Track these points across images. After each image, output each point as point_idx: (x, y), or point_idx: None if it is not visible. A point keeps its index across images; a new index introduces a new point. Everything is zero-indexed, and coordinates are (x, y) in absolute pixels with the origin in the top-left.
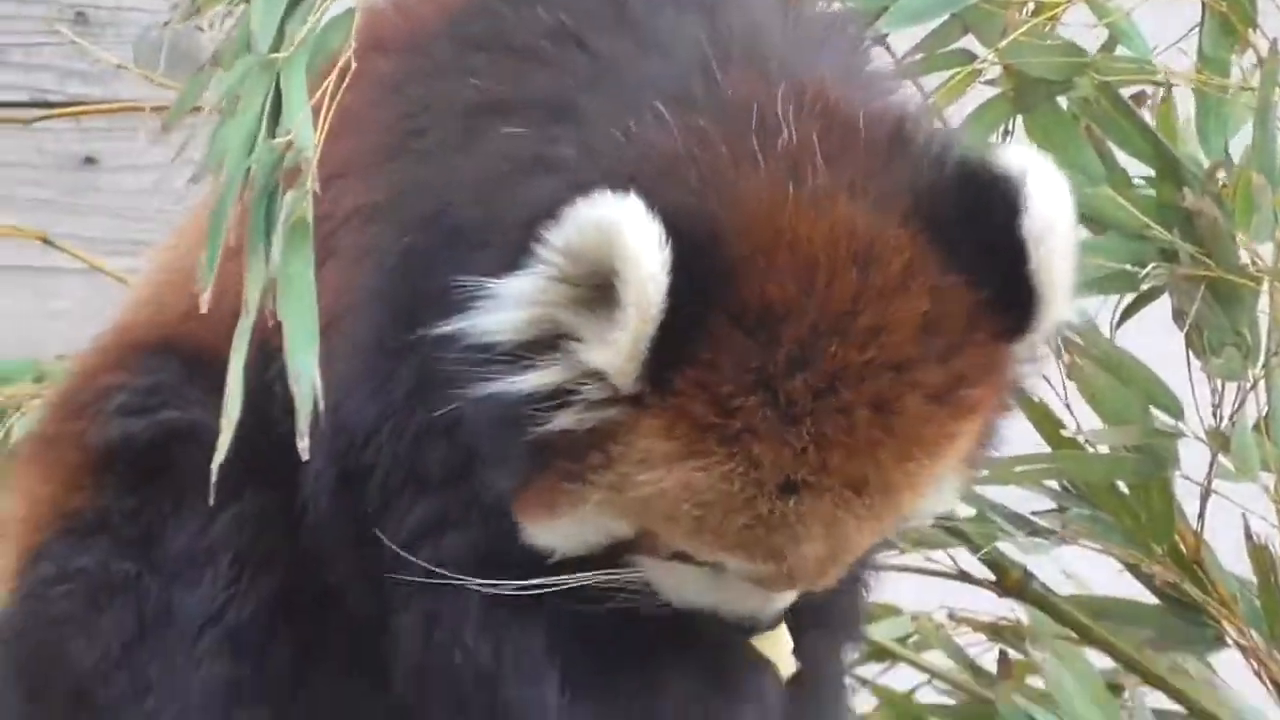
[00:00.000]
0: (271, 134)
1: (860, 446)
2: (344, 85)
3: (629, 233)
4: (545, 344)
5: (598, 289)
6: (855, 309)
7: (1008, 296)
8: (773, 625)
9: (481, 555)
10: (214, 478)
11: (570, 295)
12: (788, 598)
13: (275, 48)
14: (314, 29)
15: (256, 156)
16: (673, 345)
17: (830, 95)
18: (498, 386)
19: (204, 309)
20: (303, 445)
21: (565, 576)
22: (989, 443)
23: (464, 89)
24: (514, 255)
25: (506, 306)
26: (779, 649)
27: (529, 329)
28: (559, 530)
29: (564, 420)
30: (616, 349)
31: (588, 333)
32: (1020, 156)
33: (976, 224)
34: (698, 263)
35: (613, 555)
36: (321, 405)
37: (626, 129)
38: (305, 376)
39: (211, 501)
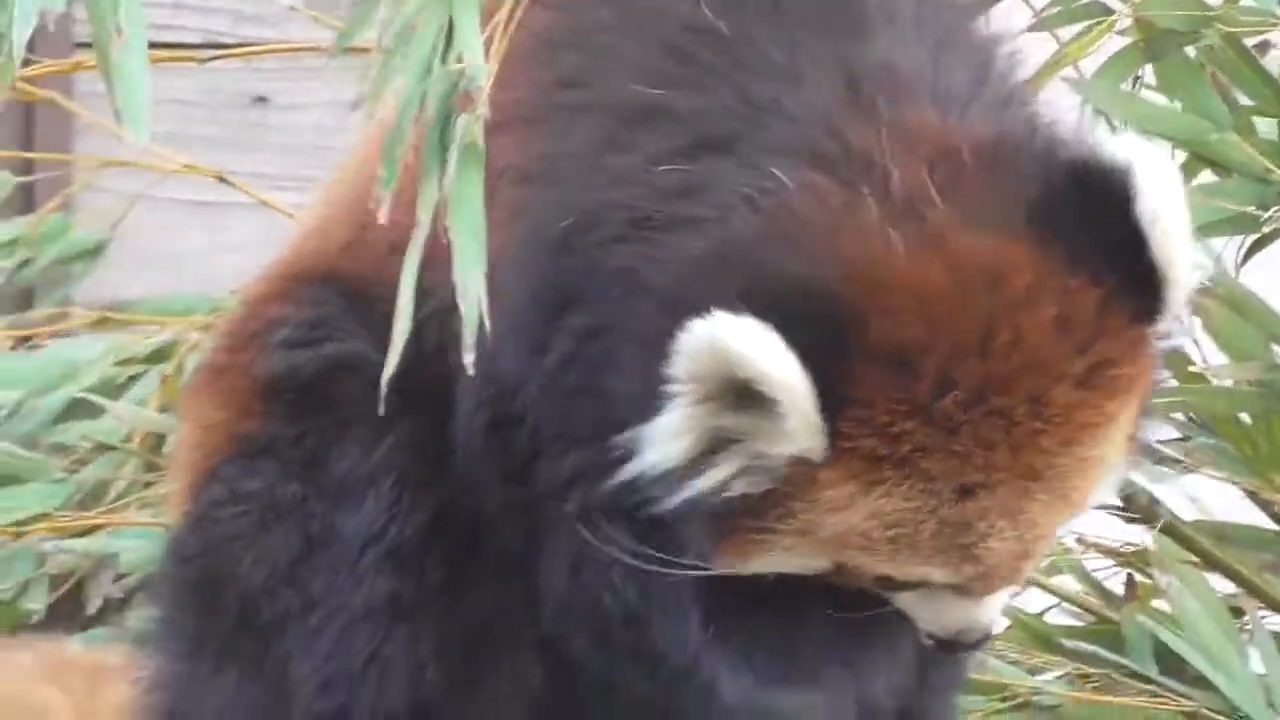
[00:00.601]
0: (445, 59)
1: (1022, 442)
2: (509, 28)
3: (754, 353)
4: (713, 449)
5: (743, 394)
6: (988, 329)
7: (1134, 281)
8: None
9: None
10: (384, 390)
11: (720, 407)
12: (997, 603)
13: None
14: None
15: (431, 82)
16: (830, 402)
17: (934, 127)
18: (680, 495)
19: (382, 219)
20: (468, 359)
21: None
22: (1147, 416)
23: (618, 83)
24: (652, 355)
25: (666, 441)
26: None
27: (694, 449)
28: (754, 568)
29: (742, 487)
30: (792, 437)
31: (754, 429)
32: (1124, 145)
33: (1092, 220)
34: (827, 332)
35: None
36: (488, 323)
37: (751, 196)
38: (473, 292)
39: (382, 412)
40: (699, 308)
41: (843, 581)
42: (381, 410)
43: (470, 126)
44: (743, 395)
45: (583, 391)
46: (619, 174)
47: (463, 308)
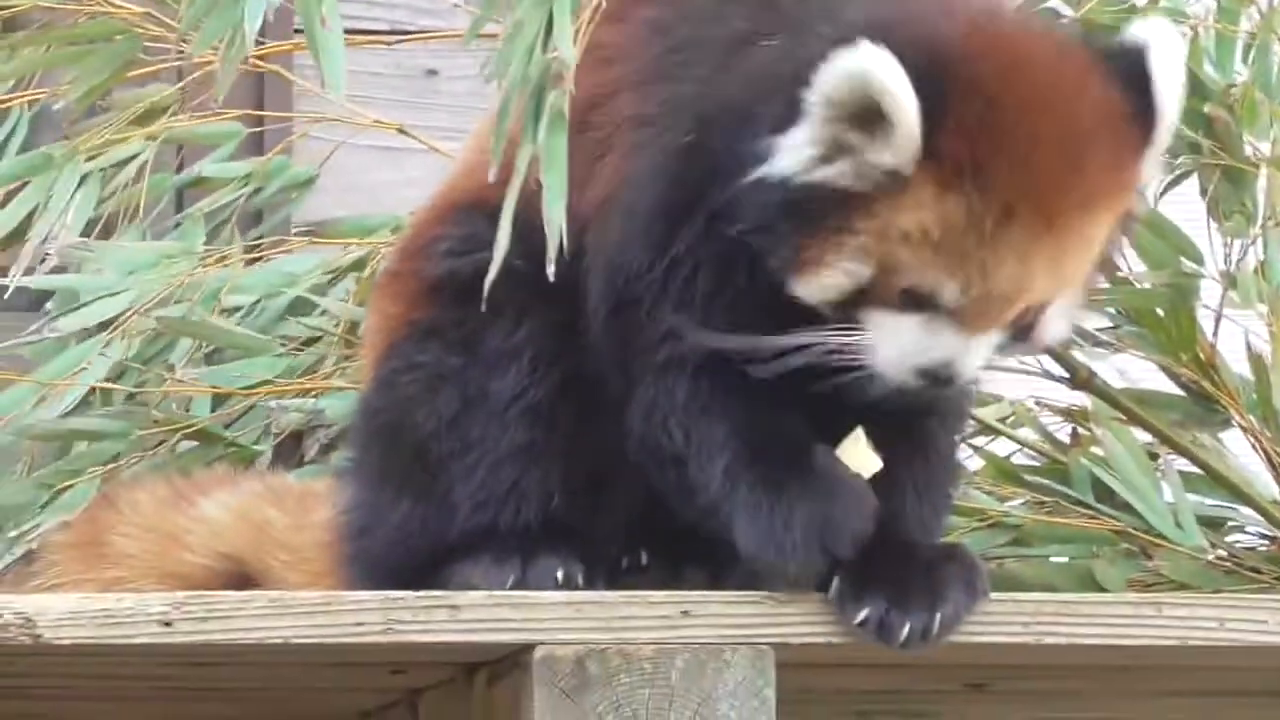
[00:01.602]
0: (544, 49)
1: (1061, 178)
2: (606, 22)
3: (884, 72)
4: (828, 158)
5: (863, 117)
6: (1049, 93)
7: (1143, 114)
8: (950, 382)
9: (708, 351)
10: (487, 289)
11: (845, 124)
12: (979, 348)
13: None
14: None
15: (534, 64)
16: (928, 128)
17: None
18: (808, 172)
19: (491, 179)
20: (550, 270)
21: (794, 337)
22: (1114, 251)
23: (722, 29)
24: (790, 110)
25: (797, 147)
26: (859, 456)
27: (817, 159)
28: (819, 281)
29: (846, 182)
30: (897, 150)
31: (867, 143)
32: (1144, 27)
33: (1121, 59)
34: (935, 72)
35: (847, 309)
36: (566, 246)
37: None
38: (555, 222)
39: (485, 304)
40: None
41: (872, 302)
42: (487, 300)
43: (560, 98)
44: (865, 114)
45: (703, 266)
46: (731, 81)
47: (548, 231)
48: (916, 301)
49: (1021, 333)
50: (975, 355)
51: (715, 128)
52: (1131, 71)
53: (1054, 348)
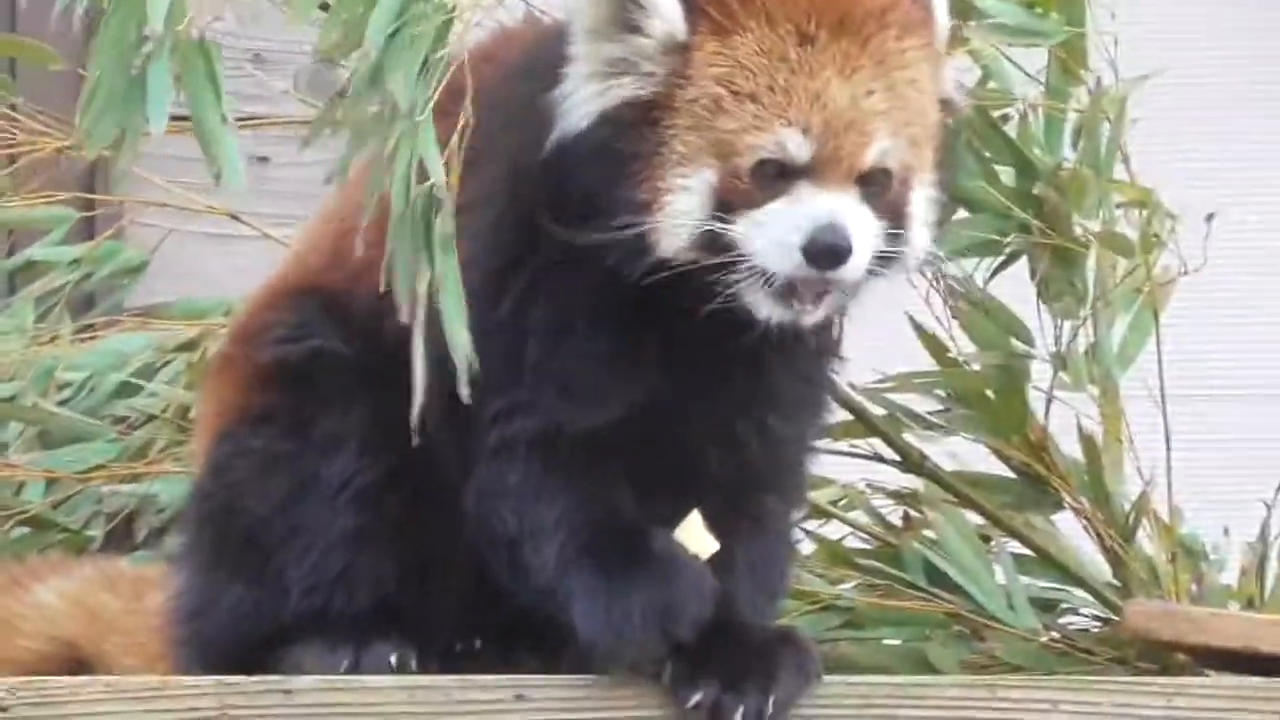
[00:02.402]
0: (420, 179)
1: (845, 10)
2: (437, 119)
3: None
4: (611, 78)
5: (620, 19)
6: None
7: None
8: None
9: (541, 430)
10: (416, 412)
11: (608, 39)
12: (849, 208)
13: (411, 110)
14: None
15: (414, 195)
16: (689, 8)
17: None
18: (597, 103)
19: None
20: (464, 392)
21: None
22: (944, 172)
23: (508, 101)
24: (559, 73)
25: (578, 87)
26: (696, 538)
27: (601, 88)
28: (672, 219)
29: (637, 84)
30: (661, 14)
31: (636, 38)
32: None
33: None
34: None
35: (715, 244)
36: (476, 365)
37: None
38: (460, 343)
39: (328, 395)
40: None
41: (734, 206)
42: (317, 385)
43: (445, 224)
44: (621, 13)
45: (514, 336)
46: (515, 136)
47: (455, 357)
48: (772, 178)
49: (895, 220)
50: (856, 220)
51: (521, 179)
52: None
53: (878, 425)
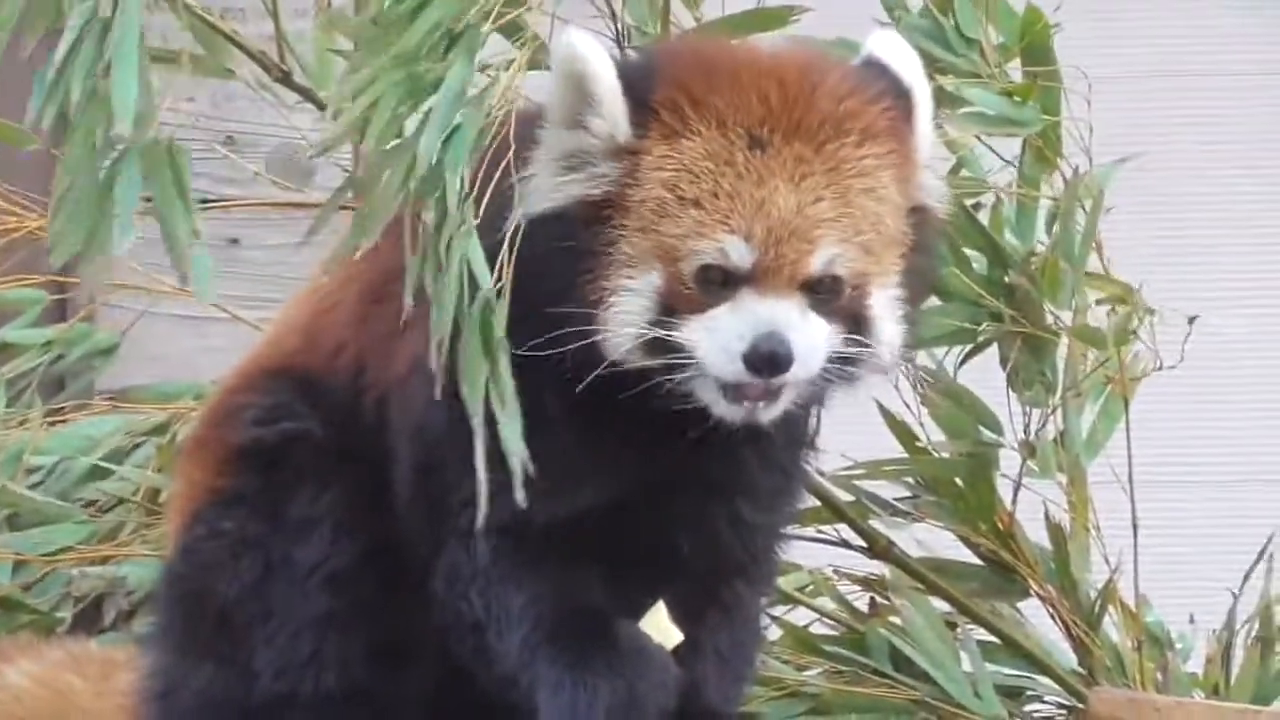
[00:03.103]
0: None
1: (794, 98)
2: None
3: (581, 45)
4: (569, 173)
5: (577, 109)
6: (756, 48)
7: (895, 94)
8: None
9: (510, 517)
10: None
11: (567, 129)
12: (789, 313)
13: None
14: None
15: (468, 305)
16: (639, 91)
17: None
18: (554, 196)
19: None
20: (519, 495)
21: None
22: (931, 260)
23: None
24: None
25: (539, 174)
26: (661, 628)
27: (559, 180)
28: (619, 318)
29: (590, 182)
30: (608, 114)
31: (588, 136)
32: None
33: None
34: (634, 64)
35: (662, 347)
36: (531, 469)
37: None
38: (516, 450)
39: (301, 478)
40: None
41: (678, 310)
42: (290, 468)
43: (499, 335)
44: (578, 104)
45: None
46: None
47: (511, 462)
48: (716, 284)
49: (855, 324)
50: (800, 327)
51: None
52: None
53: (845, 511)
